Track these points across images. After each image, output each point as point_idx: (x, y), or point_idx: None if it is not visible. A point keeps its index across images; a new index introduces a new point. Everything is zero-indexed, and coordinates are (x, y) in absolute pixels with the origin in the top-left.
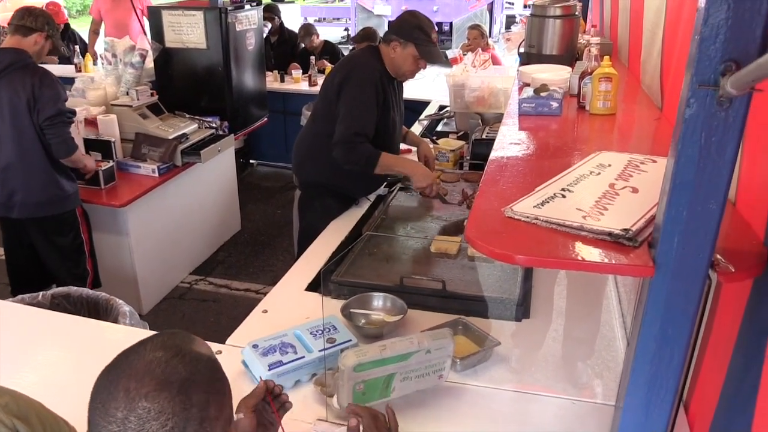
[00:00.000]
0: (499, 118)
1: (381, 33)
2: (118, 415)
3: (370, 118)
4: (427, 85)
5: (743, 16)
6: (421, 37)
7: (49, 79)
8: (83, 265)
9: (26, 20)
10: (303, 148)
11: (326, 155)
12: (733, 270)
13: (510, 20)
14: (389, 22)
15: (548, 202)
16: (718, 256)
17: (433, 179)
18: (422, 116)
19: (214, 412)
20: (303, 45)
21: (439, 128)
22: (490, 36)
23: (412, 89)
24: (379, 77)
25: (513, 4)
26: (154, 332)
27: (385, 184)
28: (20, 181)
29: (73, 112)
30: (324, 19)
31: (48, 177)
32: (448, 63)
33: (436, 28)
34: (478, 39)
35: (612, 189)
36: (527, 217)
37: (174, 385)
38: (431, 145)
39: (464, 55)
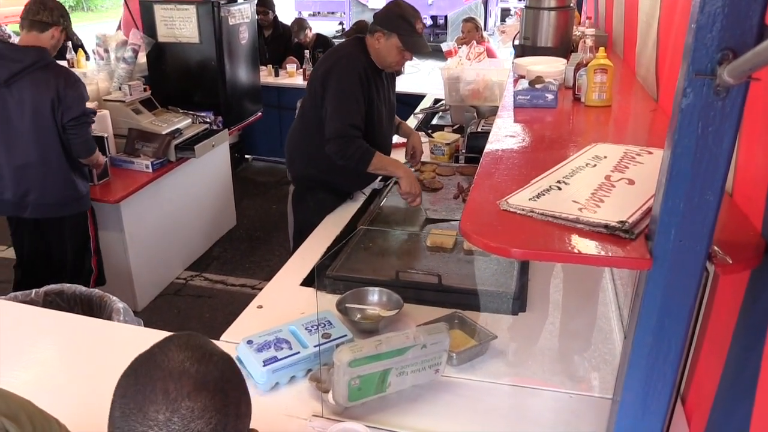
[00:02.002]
0: (494, 111)
1: None
2: (159, 418)
3: (359, 110)
4: (422, 79)
5: (740, 4)
6: (405, 27)
7: (73, 79)
8: (88, 263)
9: (42, 15)
10: (294, 143)
11: (317, 149)
12: (730, 262)
13: (505, 13)
14: (375, 12)
15: (544, 194)
16: (716, 248)
17: (418, 191)
18: (417, 110)
19: (244, 409)
20: (297, 40)
21: (435, 122)
22: (485, 29)
23: (407, 83)
24: (364, 69)
25: None
26: (149, 329)
27: (380, 178)
28: (37, 181)
29: (94, 112)
30: (318, 13)
31: (65, 177)
32: (441, 56)
33: (424, 19)
34: (472, 32)
35: (608, 181)
36: (523, 209)
37: (210, 384)
38: (426, 139)
39: (459, 48)
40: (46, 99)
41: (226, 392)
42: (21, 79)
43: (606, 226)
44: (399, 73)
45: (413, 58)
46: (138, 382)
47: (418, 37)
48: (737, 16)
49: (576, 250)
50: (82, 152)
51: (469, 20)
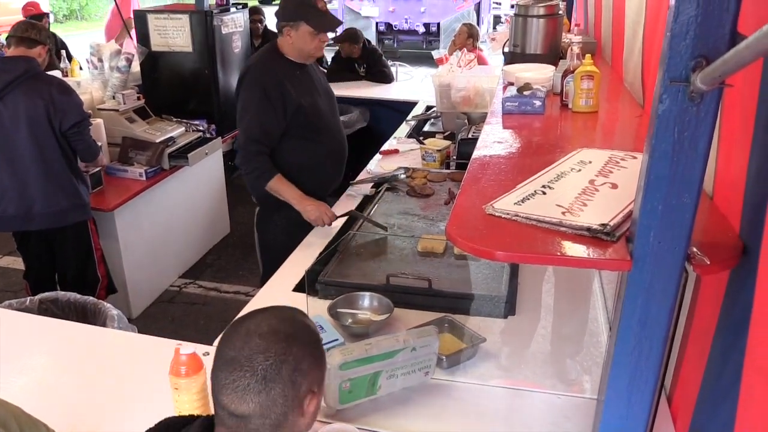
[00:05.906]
0: (485, 118)
1: (367, 34)
2: (237, 344)
3: (264, 122)
4: (415, 86)
5: (712, 13)
6: (309, 12)
7: (66, 87)
8: (92, 272)
9: (31, 33)
10: None
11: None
12: (708, 262)
13: (497, 20)
14: (275, 12)
15: (529, 198)
16: (694, 249)
17: (322, 211)
18: (409, 117)
19: (306, 367)
20: None
21: (426, 128)
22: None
23: (399, 90)
24: (275, 77)
25: (500, 4)
26: (143, 335)
27: (372, 185)
28: (40, 191)
29: (89, 115)
30: None
31: (69, 185)
32: (433, 63)
33: (417, 26)
34: (463, 35)
35: (592, 185)
36: (508, 213)
37: (280, 335)
38: (418, 145)
39: (449, 56)
40: (40, 107)
41: (291, 346)
42: (13, 90)
43: (588, 229)
44: (322, 59)
45: (329, 38)
46: (236, 324)
47: (324, 15)
48: (710, 24)
49: (559, 253)
50: (87, 156)
51: (465, 25)
